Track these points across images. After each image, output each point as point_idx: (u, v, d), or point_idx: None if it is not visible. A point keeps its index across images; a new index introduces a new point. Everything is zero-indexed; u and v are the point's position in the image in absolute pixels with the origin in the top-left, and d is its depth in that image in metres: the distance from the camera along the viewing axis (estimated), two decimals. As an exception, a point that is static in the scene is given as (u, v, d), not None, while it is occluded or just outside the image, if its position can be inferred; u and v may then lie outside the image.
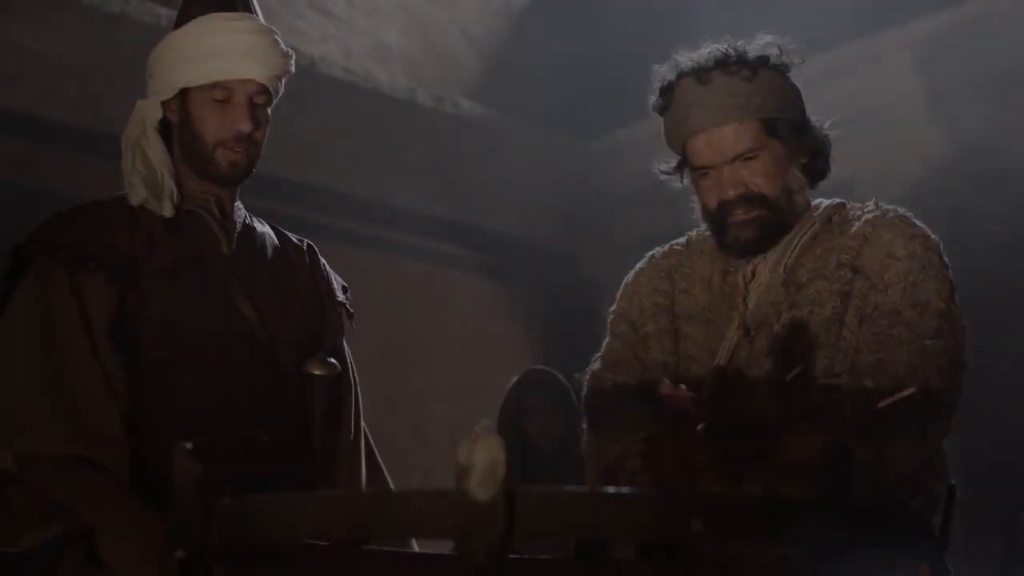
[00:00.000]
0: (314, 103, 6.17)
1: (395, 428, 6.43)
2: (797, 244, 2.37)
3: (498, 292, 7.57)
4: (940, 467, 2.29)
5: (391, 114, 6.87)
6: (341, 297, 2.65)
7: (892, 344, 2.20)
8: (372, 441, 2.69)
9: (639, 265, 2.57)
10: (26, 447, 2.26)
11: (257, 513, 1.41)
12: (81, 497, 2.25)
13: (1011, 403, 5.22)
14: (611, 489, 1.30)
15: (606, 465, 2.32)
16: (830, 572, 1.32)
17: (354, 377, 2.66)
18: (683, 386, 2.19)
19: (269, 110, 2.48)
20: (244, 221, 2.55)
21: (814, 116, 2.44)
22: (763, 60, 2.36)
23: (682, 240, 2.55)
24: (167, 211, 2.42)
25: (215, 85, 2.41)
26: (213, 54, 2.40)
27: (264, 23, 2.50)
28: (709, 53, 2.36)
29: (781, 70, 2.38)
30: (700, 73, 2.36)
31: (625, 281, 2.56)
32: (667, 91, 2.41)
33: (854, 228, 2.36)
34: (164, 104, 2.46)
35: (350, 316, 2.65)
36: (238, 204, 2.55)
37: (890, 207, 2.40)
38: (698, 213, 2.46)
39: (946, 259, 2.32)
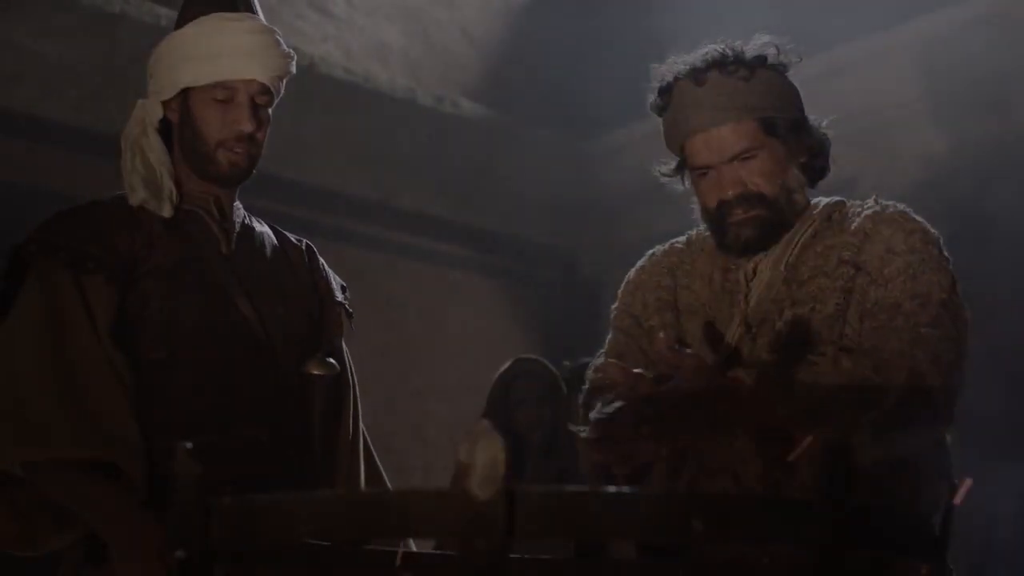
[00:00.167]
0: (314, 103, 6.17)
1: (395, 428, 6.44)
2: (798, 242, 2.38)
3: (498, 292, 7.57)
4: (941, 466, 2.29)
5: (391, 114, 6.87)
6: (340, 297, 2.65)
7: (887, 333, 2.21)
8: (370, 441, 2.69)
9: (640, 263, 2.58)
10: (40, 452, 2.24)
11: (257, 513, 1.40)
12: (85, 502, 2.24)
13: (1006, 396, 5.21)
14: (611, 489, 1.30)
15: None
16: (830, 572, 1.32)
17: (352, 377, 2.66)
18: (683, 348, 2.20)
19: (270, 110, 2.48)
20: (243, 221, 2.55)
21: (813, 116, 2.44)
22: (761, 60, 2.36)
23: (682, 239, 2.56)
24: (166, 211, 2.42)
25: (217, 85, 2.41)
26: (216, 54, 2.40)
27: (266, 23, 2.50)
28: (707, 53, 2.37)
29: (779, 70, 2.39)
30: (698, 73, 2.36)
31: (627, 278, 2.57)
32: (665, 92, 2.41)
33: (854, 225, 2.36)
34: (165, 104, 2.45)
35: (349, 316, 2.65)
36: (237, 204, 2.55)
37: (889, 203, 2.40)
38: (698, 213, 2.46)
39: (946, 253, 2.33)
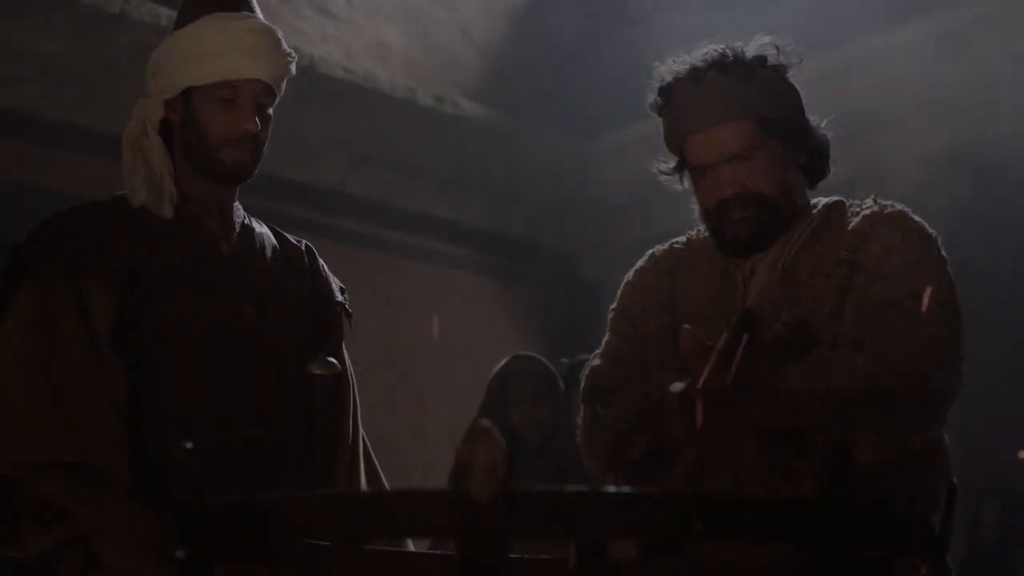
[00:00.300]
0: (314, 103, 6.18)
1: (395, 428, 6.44)
2: (796, 242, 2.38)
3: (498, 292, 7.58)
4: (941, 465, 2.29)
5: (391, 114, 6.87)
6: (340, 298, 2.65)
7: (892, 332, 2.21)
8: (368, 443, 2.69)
9: (639, 263, 2.57)
10: (23, 454, 2.25)
11: (257, 513, 1.40)
12: (76, 499, 2.25)
13: (995, 395, 5.22)
14: (611, 489, 1.30)
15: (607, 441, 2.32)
16: (830, 572, 1.32)
17: (352, 378, 2.66)
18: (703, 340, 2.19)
19: (271, 110, 2.48)
20: (243, 222, 2.55)
21: (814, 116, 2.44)
22: (760, 60, 2.36)
23: (682, 239, 2.56)
24: (167, 212, 2.42)
25: (221, 84, 2.41)
26: (219, 53, 2.40)
27: (267, 23, 2.50)
28: (706, 53, 2.37)
29: (779, 70, 2.39)
30: (697, 73, 2.36)
31: (626, 279, 2.56)
32: (665, 91, 2.41)
33: (853, 225, 2.36)
34: (167, 103, 2.45)
35: (349, 317, 2.65)
36: (237, 205, 2.55)
37: (888, 203, 2.40)
38: (698, 213, 2.46)
39: (944, 253, 2.33)
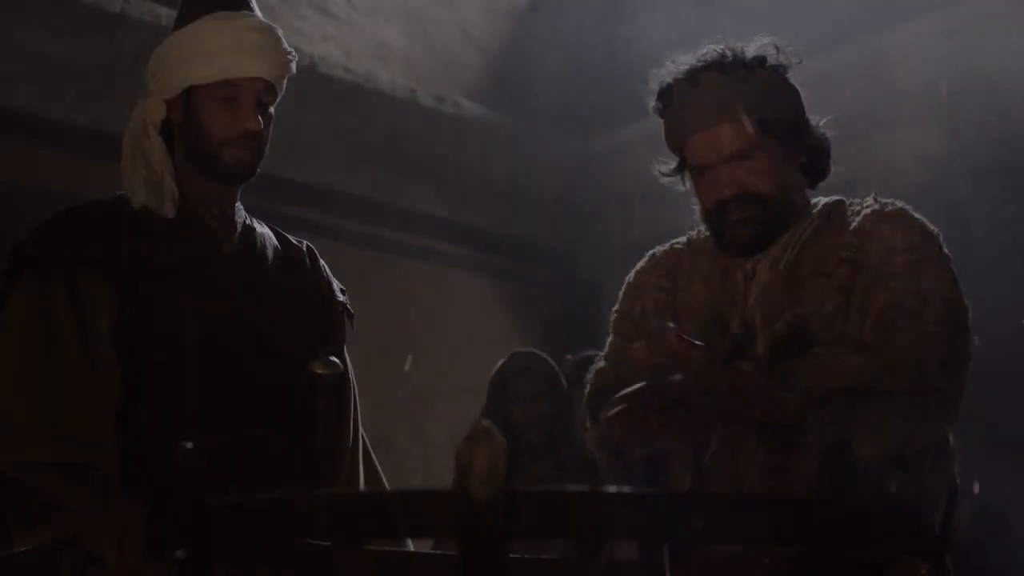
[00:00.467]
0: (314, 103, 6.17)
1: (395, 428, 6.44)
2: (797, 242, 2.38)
3: (498, 292, 7.57)
4: (943, 466, 2.28)
5: (391, 114, 6.87)
6: (341, 298, 2.65)
7: (893, 331, 2.20)
8: (368, 443, 2.69)
9: (640, 264, 2.57)
10: (22, 454, 2.25)
11: (257, 513, 1.40)
12: (77, 498, 2.25)
13: (997, 393, 5.20)
14: (611, 489, 1.30)
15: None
16: (830, 572, 1.32)
17: (353, 378, 2.66)
18: (692, 340, 2.19)
19: (272, 109, 2.48)
20: (244, 222, 2.55)
21: (814, 116, 2.44)
22: (760, 60, 2.36)
23: (683, 239, 2.56)
24: (168, 212, 2.42)
25: (222, 83, 2.41)
26: (221, 52, 2.40)
27: (268, 21, 2.50)
28: (706, 54, 2.37)
29: (779, 70, 2.39)
30: (697, 74, 2.36)
31: (627, 280, 2.57)
32: (665, 92, 2.42)
33: (854, 224, 2.36)
34: (168, 103, 2.45)
35: (350, 317, 2.66)
36: (239, 205, 2.55)
37: (888, 200, 2.40)
38: (698, 213, 2.46)
39: (946, 250, 2.32)
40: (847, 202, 2.43)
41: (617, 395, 2.22)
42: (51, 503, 2.27)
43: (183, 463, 1.42)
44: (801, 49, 2.40)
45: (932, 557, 1.64)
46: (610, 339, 2.54)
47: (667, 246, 2.57)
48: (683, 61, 2.39)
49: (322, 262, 2.67)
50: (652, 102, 2.44)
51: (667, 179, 2.50)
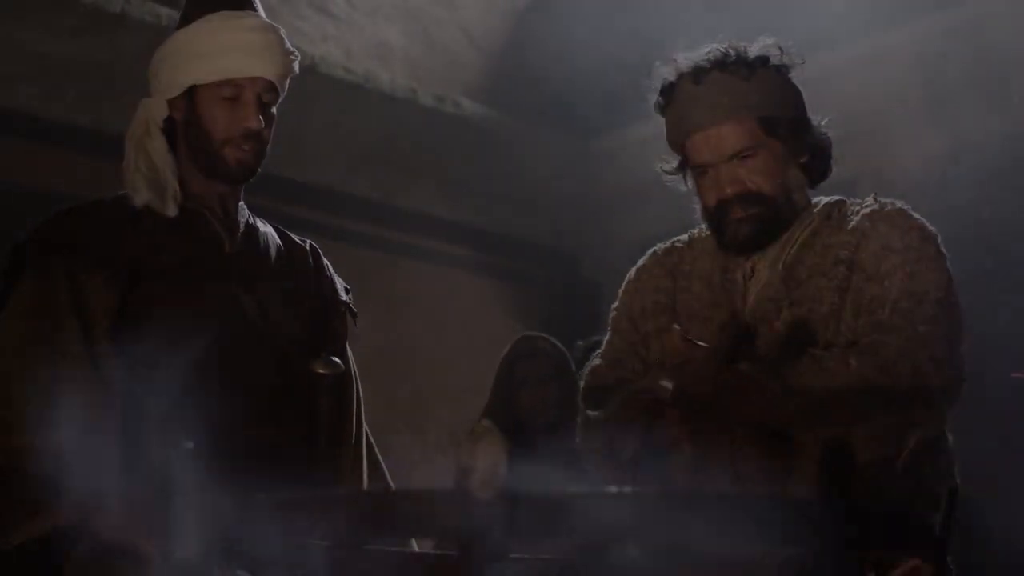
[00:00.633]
0: (314, 103, 6.17)
1: (395, 428, 6.43)
2: (796, 241, 2.38)
3: (498, 292, 7.57)
4: (943, 466, 2.29)
5: (391, 114, 6.87)
6: (344, 297, 2.65)
7: (886, 330, 2.21)
8: (372, 440, 2.70)
9: (641, 262, 2.58)
10: (21, 444, 2.25)
11: (259, 513, 1.40)
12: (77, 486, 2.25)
13: (999, 398, 5.21)
14: (611, 489, 1.30)
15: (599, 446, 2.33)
16: (830, 572, 1.32)
17: (355, 377, 2.66)
18: (694, 340, 2.18)
19: (274, 109, 2.48)
20: (247, 221, 2.56)
21: (815, 116, 2.44)
22: (762, 60, 2.37)
23: (684, 238, 2.56)
24: (171, 211, 2.43)
25: (224, 83, 2.41)
26: (223, 51, 2.40)
27: (270, 21, 2.51)
28: (708, 53, 2.38)
29: (781, 70, 2.39)
30: (699, 72, 2.37)
31: (627, 278, 2.57)
32: (667, 91, 2.42)
33: (853, 223, 2.36)
34: (170, 103, 2.45)
35: (353, 316, 2.66)
36: (242, 204, 2.55)
37: (888, 200, 2.40)
38: (699, 212, 2.47)
39: (944, 250, 2.33)
40: (848, 202, 2.43)
41: (616, 394, 2.22)
42: (47, 493, 2.26)
43: (184, 463, 1.42)
44: (801, 49, 2.40)
45: (932, 557, 1.64)
46: (608, 337, 2.54)
47: (668, 244, 2.58)
48: (685, 60, 2.39)
49: (325, 261, 2.67)
50: (653, 99, 2.45)
51: (668, 178, 2.50)
